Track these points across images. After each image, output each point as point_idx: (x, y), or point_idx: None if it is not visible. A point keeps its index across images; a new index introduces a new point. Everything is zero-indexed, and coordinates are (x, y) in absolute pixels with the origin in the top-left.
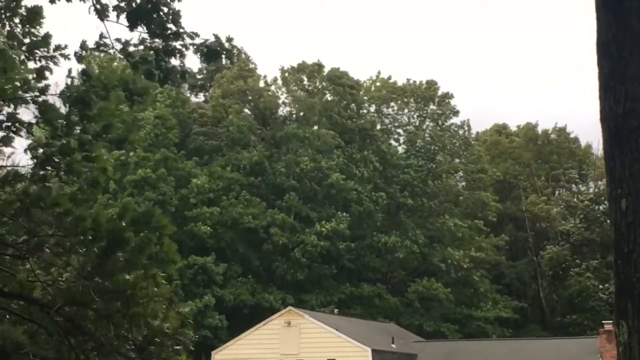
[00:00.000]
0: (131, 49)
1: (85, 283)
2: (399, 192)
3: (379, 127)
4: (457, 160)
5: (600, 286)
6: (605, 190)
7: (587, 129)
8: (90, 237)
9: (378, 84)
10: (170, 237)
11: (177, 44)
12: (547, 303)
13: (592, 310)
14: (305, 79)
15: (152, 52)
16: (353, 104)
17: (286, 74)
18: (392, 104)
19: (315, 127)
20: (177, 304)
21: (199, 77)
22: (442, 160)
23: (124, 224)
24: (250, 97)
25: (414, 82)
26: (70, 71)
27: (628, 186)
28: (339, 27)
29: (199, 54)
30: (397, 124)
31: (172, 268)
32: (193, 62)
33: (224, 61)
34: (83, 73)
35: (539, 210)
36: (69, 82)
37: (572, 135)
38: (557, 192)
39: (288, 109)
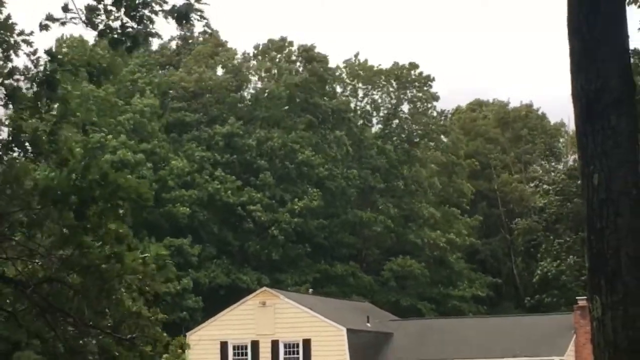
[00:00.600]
0: (97, 20)
1: (60, 255)
2: (371, 175)
3: (353, 106)
4: (432, 144)
5: (573, 262)
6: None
7: (555, 106)
8: (59, 205)
9: (356, 66)
10: (146, 212)
11: (146, 12)
12: (521, 280)
13: (565, 287)
14: (279, 56)
15: (117, 20)
16: (328, 86)
17: (259, 50)
18: (369, 86)
19: (287, 107)
20: (153, 279)
21: (173, 49)
22: (418, 144)
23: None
24: (225, 71)
25: (396, 63)
26: (36, 51)
27: (600, 162)
28: (319, 13)
29: (169, 17)
30: (373, 105)
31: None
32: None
33: (197, 29)
34: (48, 53)
35: (511, 188)
36: (33, 63)
37: (540, 112)
38: (529, 169)
39: (260, 85)
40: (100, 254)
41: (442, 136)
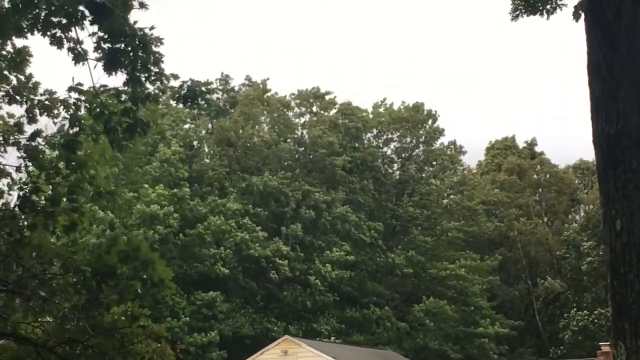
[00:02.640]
0: (103, 97)
1: (80, 317)
2: (395, 216)
3: (380, 157)
4: (446, 181)
5: (596, 312)
6: (588, 218)
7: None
8: (80, 275)
9: (381, 110)
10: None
11: (155, 88)
12: (544, 329)
13: (592, 335)
14: (316, 108)
15: (122, 102)
16: (358, 135)
17: (298, 101)
18: (392, 132)
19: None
20: (172, 343)
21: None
22: (434, 183)
23: (111, 257)
24: (270, 119)
25: (406, 105)
26: (58, 114)
27: (622, 207)
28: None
29: (176, 97)
30: (393, 151)
31: (168, 292)
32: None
33: (202, 105)
34: (72, 117)
35: (531, 234)
36: (55, 127)
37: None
38: (552, 220)
39: (301, 133)
40: (122, 316)
41: (451, 169)
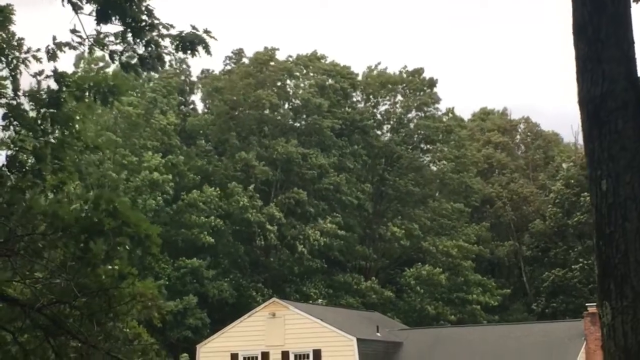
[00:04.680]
0: (106, 40)
1: (68, 279)
2: (383, 182)
3: (372, 112)
4: (439, 146)
5: (579, 266)
6: (577, 174)
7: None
8: (67, 233)
9: (372, 74)
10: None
11: (154, 34)
12: (530, 285)
13: (575, 294)
14: (305, 70)
15: (125, 43)
16: (348, 97)
17: (291, 64)
18: (383, 93)
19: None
20: (160, 303)
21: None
22: (426, 148)
23: (96, 219)
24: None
25: (405, 69)
26: (42, 72)
27: (608, 167)
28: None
29: (174, 45)
30: (384, 113)
31: (156, 249)
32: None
33: (202, 53)
34: (55, 72)
35: (521, 193)
36: (37, 84)
37: (538, 126)
38: (538, 178)
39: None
40: (110, 277)
41: (445, 135)
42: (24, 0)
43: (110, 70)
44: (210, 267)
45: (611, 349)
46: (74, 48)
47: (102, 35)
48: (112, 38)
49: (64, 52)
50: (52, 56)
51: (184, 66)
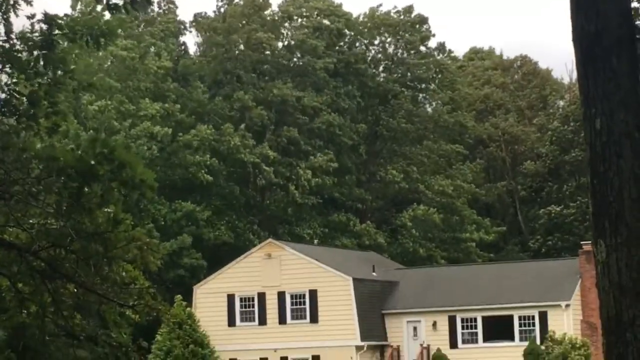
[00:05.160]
0: None
1: (63, 223)
2: (378, 122)
3: (366, 54)
4: (432, 86)
5: (575, 205)
6: (573, 111)
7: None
8: (62, 176)
9: (365, 14)
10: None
11: None
12: (526, 225)
13: (570, 231)
14: (300, 9)
15: None
16: (343, 37)
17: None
18: (375, 33)
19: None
20: (154, 247)
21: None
22: (418, 86)
23: (91, 162)
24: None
25: (395, 9)
26: (34, 15)
27: (602, 105)
28: None
29: None
30: (378, 53)
31: (150, 193)
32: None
33: None
34: (45, 16)
35: (517, 132)
36: (30, 26)
37: (534, 63)
38: (533, 118)
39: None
40: (106, 221)
41: (438, 72)
42: None
43: (107, 13)
44: (205, 208)
45: (606, 286)
46: None
47: None
48: None
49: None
50: None
51: (171, 5)
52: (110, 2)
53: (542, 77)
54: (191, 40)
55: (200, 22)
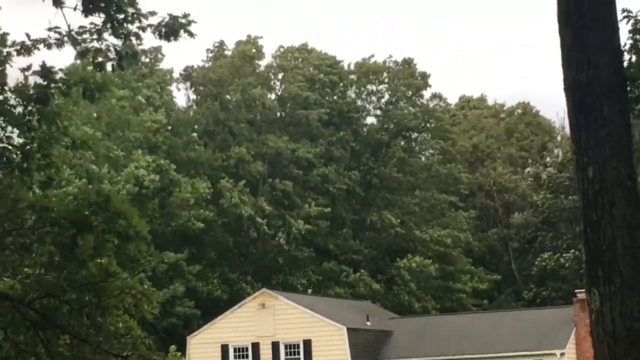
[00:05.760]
0: (85, 36)
1: (56, 274)
2: (372, 171)
3: (359, 103)
4: (427, 136)
5: (573, 257)
6: (569, 158)
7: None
8: (56, 227)
9: (359, 62)
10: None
11: (134, 27)
12: (520, 274)
13: (565, 280)
14: (294, 62)
15: (105, 41)
16: (336, 87)
17: (277, 59)
18: (371, 85)
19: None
20: (149, 295)
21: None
22: (413, 136)
23: (85, 213)
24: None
25: (393, 60)
26: (30, 67)
27: (594, 154)
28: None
29: (157, 33)
30: (373, 102)
31: (144, 245)
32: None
33: (184, 37)
34: (41, 69)
35: (507, 181)
36: (24, 79)
37: (534, 110)
38: (526, 166)
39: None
40: (99, 271)
41: (433, 124)
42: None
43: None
44: (196, 259)
45: (600, 335)
46: (49, 46)
47: (78, 32)
48: (87, 35)
49: (38, 49)
50: (26, 50)
51: (160, 55)
52: (96, 61)
53: (539, 125)
54: (180, 92)
55: (191, 74)
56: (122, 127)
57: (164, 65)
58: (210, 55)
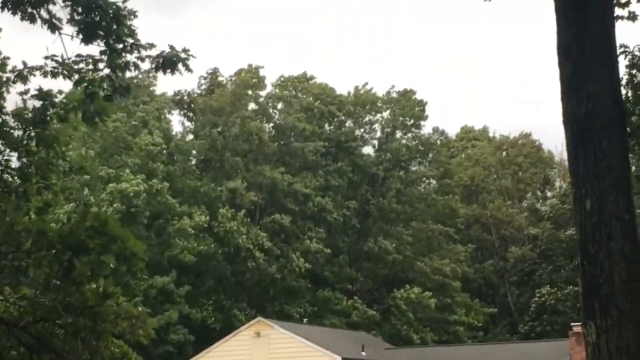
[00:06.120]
0: (81, 65)
1: (52, 297)
2: (369, 202)
3: (357, 133)
4: (424, 168)
5: (568, 289)
6: (569, 191)
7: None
8: (52, 251)
9: (359, 93)
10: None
11: (133, 57)
12: (516, 307)
13: (563, 314)
14: (293, 91)
15: (101, 71)
16: (335, 118)
17: (276, 88)
18: (368, 116)
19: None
20: (144, 319)
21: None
22: (411, 168)
23: (82, 236)
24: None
25: (393, 90)
26: (27, 91)
27: (592, 186)
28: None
29: (154, 65)
30: (371, 132)
31: (140, 265)
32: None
33: (183, 72)
34: (40, 92)
35: (504, 215)
36: (23, 102)
37: (536, 143)
38: (524, 199)
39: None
40: (94, 295)
41: (433, 155)
42: (26, 27)
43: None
44: (191, 285)
45: None
46: (45, 74)
47: (75, 61)
48: (82, 65)
49: (35, 76)
50: (22, 77)
51: (153, 80)
52: (88, 91)
53: (539, 157)
54: (173, 116)
55: (184, 98)
56: (117, 150)
57: (156, 89)
58: (203, 81)
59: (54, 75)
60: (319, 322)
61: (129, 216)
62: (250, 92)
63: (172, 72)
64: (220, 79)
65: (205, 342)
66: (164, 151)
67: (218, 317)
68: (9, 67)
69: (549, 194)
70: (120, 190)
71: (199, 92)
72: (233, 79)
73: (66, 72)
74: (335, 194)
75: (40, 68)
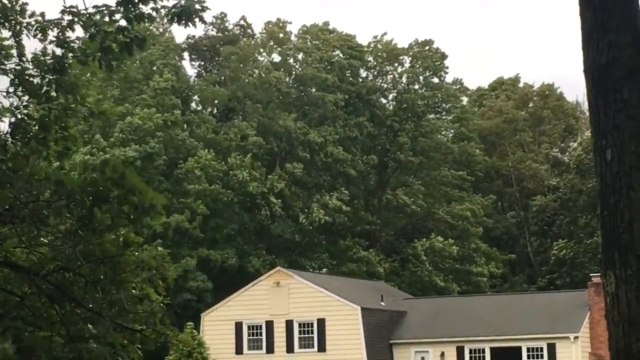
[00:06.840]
0: (97, 17)
1: (72, 246)
2: (387, 152)
3: (377, 83)
4: (445, 118)
5: (592, 243)
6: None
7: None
8: (72, 199)
9: (379, 46)
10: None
11: (148, 8)
12: (536, 257)
13: (581, 266)
14: (313, 41)
15: (117, 22)
16: (354, 69)
17: (299, 39)
18: (388, 67)
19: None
20: (164, 270)
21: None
22: (430, 118)
23: (101, 186)
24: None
25: (415, 41)
26: (46, 36)
27: (612, 137)
28: None
29: (169, 16)
30: (390, 83)
31: (160, 219)
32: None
33: (198, 25)
34: (58, 38)
35: (526, 167)
36: (42, 49)
37: (558, 91)
38: (546, 150)
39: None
40: (115, 244)
41: (451, 106)
42: None
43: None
44: (209, 231)
45: (615, 318)
46: (63, 30)
47: (92, 13)
48: (98, 17)
49: (52, 29)
50: (61, 29)
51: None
52: (103, 46)
53: (562, 108)
54: (185, 61)
55: (196, 43)
56: (135, 89)
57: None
58: (210, 27)
59: (71, 28)
60: (338, 271)
61: (146, 157)
62: (272, 42)
63: (187, 25)
64: (227, 25)
65: (224, 290)
66: (179, 97)
67: (236, 263)
68: (28, 12)
69: (571, 144)
70: (135, 127)
71: (203, 35)
72: (260, 29)
73: (82, 23)
74: (354, 146)
75: (57, 24)
